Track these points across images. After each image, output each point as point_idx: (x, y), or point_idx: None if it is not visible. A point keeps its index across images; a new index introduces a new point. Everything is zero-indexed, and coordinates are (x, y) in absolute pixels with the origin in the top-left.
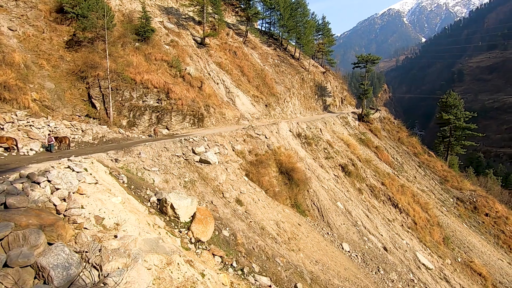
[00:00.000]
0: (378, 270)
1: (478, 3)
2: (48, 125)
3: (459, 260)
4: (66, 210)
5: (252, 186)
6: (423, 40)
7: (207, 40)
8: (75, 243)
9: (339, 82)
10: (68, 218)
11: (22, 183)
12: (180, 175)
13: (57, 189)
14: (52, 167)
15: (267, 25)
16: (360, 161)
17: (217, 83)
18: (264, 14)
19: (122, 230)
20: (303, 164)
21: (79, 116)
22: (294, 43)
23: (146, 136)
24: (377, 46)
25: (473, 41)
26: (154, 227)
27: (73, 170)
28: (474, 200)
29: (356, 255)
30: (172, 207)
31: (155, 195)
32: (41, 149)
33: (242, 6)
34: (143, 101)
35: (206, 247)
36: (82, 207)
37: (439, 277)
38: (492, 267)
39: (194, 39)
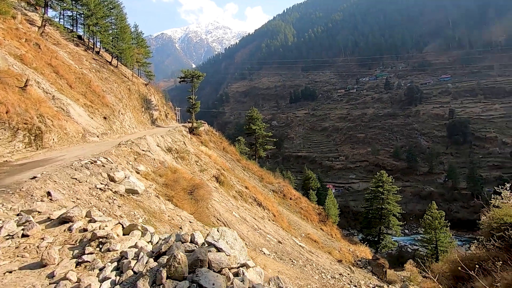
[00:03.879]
0: (292, 261)
1: (228, 43)
2: None
3: (303, 235)
4: None
5: (184, 213)
6: (193, 66)
7: None
8: None
9: (159, 96)
10: None
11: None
12: (128, 216)
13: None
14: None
15: (69, 20)
16: (224, 170)
17: (31, 85)
18: (70, 5)
19: None
20: None
21: None
22: (103, 47)
23: None
24: (156, 66)
25: (230, 72)
26: None
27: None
28: (282, 189)
29: (274, 256)
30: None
31: None
32: None
33: None
34: None
35: None
36: None
37: (309, 251)
38: (314, 234)
39: None
